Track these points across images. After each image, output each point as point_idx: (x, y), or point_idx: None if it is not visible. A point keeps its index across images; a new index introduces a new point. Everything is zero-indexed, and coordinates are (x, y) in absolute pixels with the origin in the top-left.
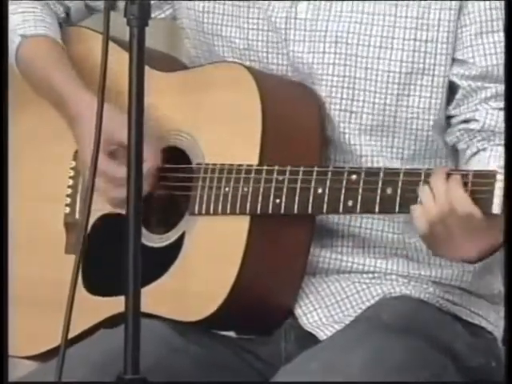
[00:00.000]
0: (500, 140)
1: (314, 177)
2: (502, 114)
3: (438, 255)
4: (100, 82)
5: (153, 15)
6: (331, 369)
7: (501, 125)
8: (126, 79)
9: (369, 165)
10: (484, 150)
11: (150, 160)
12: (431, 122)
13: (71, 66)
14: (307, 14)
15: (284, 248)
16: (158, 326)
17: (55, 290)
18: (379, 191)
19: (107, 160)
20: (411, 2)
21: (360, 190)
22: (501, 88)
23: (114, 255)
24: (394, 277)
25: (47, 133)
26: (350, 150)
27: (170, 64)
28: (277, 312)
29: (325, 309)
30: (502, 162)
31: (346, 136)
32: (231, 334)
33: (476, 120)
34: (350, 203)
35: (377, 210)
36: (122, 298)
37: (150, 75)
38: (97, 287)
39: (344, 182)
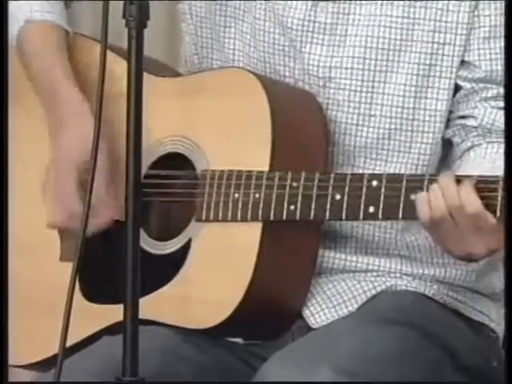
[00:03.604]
0: (496, 138)
1: (332, 183)
2: (500, 113)
3: (445, 250)
4: (99, 83)
5: None
6: (319, 357)
7: (498, 123)
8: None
9: (382, 170)
10: (479, 145)
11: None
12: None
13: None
14: (327, 17)
15: (294, 253)
16: (162, 334)
17: (54, 297)
18: (403, 197)
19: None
20: (429, 4)
21: (382, 197)
22: (503, 90)
23: (113, 262)
24: (398, 275)
25: (42, 134)
26: (364, 155)
27: (165, 70)
28: (286, 317)
29: (332, 308)
30: (497, 160)
31: (363, 140)
32: (238, 340)
33: (474, 117)
34: (372, 209)
35: (400, 215)
36: (121, 307)
37: (148, 79)
38: (96, 295)
39: (364, 189)
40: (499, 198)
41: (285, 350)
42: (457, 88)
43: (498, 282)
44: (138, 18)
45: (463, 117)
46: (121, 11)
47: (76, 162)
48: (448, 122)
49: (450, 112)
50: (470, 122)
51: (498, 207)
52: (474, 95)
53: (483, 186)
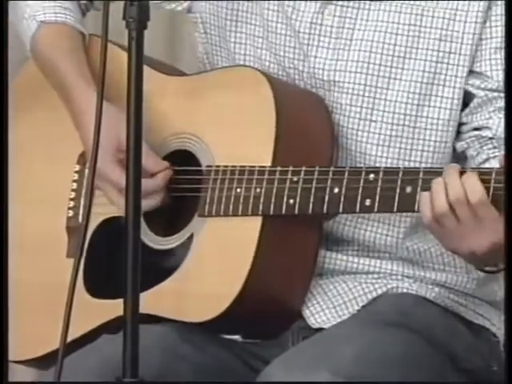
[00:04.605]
0: None
1: (330, 176)
2: None
3: (448, 248)
4: (99, 82)
5: (169, 7)
6: (322, 361)
7: None
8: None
9: None
10: (494, 158)
11: (162, 175)
12: (450, 134)
13: (85, 58)
14: (333, 21)
15: (294, 250)
16: (162, 333)
17: (56, 293)
18: (398, 190)
19: (116, 168)
20: (436, 13)
21: (378, 189)
22: None
23: (116, 258)
24: (399, 277)
25: (51, 135)
26: (364, 161)
27: (173, 70)
28: (285, 315)
29: (332, 309)
30: None
31: (363, 145)
32: (237, 337)
33: (489, 128)
34: (368, 202)
35: (395, 208)
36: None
37: (156, 78)
38: (99, 290)
39: (361, 182)
40: (491, 189)
41: (287, 353)
42: (469, 98)
43: (499, 290)
44: (138, 19)
45: (477, 128)
46: (121, 12)
47: (111, 151)
48: (460, 135)
49: (463, 124)
50: (485, 133)
51: (491, 194)
52: (488, 105)
53: (487, 178)
